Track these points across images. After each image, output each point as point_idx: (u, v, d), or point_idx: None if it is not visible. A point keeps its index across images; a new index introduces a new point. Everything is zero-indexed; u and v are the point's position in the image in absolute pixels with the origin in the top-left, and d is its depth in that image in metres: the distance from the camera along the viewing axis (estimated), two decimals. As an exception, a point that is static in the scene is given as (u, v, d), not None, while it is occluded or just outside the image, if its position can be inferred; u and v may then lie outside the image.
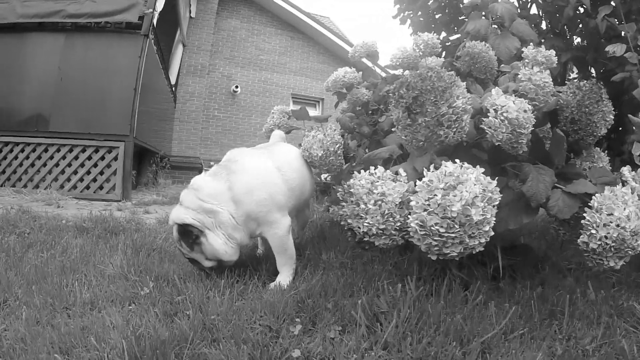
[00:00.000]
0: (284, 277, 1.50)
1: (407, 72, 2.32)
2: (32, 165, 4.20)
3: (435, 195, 1.11)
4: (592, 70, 2.55)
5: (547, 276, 1.58)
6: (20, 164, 4.21)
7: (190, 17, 8.49)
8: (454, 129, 1.26)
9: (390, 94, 1.33)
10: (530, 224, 1.98)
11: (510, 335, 1.17)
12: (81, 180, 4.19)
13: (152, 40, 4.89)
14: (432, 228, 1.11)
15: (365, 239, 1.24)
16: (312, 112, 8.16)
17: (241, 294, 1.36)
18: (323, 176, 2.93)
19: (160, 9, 5.00)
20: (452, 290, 1.38)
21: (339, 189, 1.32)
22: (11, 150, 4.24)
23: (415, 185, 1.20)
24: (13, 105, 4.31)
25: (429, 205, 1.12)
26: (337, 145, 1.88)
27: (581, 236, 1.22)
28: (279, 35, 9.98)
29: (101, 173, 4.21)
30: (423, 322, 1.19)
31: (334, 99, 2.61)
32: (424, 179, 1.16)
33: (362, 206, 1.21)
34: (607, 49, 1.79)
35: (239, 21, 9.64)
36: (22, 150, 4.23)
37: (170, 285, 1.38)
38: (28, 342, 1.04)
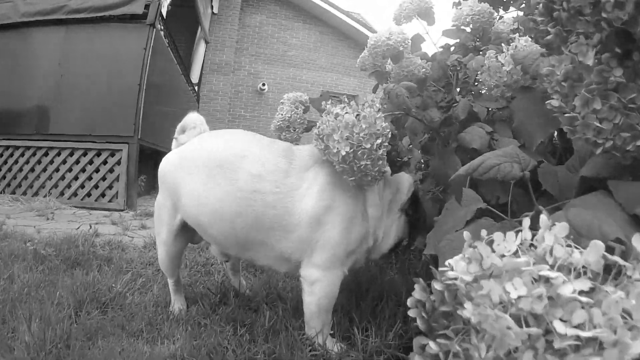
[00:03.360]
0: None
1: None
2: (32, 170, 3.85)
3: None
4: None
5: None
6: (20, 169, 3.87)
7: (213, 13, 8.11)
8: None
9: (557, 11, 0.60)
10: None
11: None
12: (82, 187, 3.78)
13: (162, 32, 4.44)
14: None
15: None
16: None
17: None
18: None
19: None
20: None
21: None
22: (11, 155, 3.91)
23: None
24: (12, 107, 3.99)
25: None
26: (380, 140, 0.96)
27: None
28: (307, 30, 9.43)
29: (103, 179, 3.78)
30: None
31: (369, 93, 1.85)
32: None
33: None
34: None
35: (264, 16, 9.17)
36: (22, 155, 3.89)
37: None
38: None
